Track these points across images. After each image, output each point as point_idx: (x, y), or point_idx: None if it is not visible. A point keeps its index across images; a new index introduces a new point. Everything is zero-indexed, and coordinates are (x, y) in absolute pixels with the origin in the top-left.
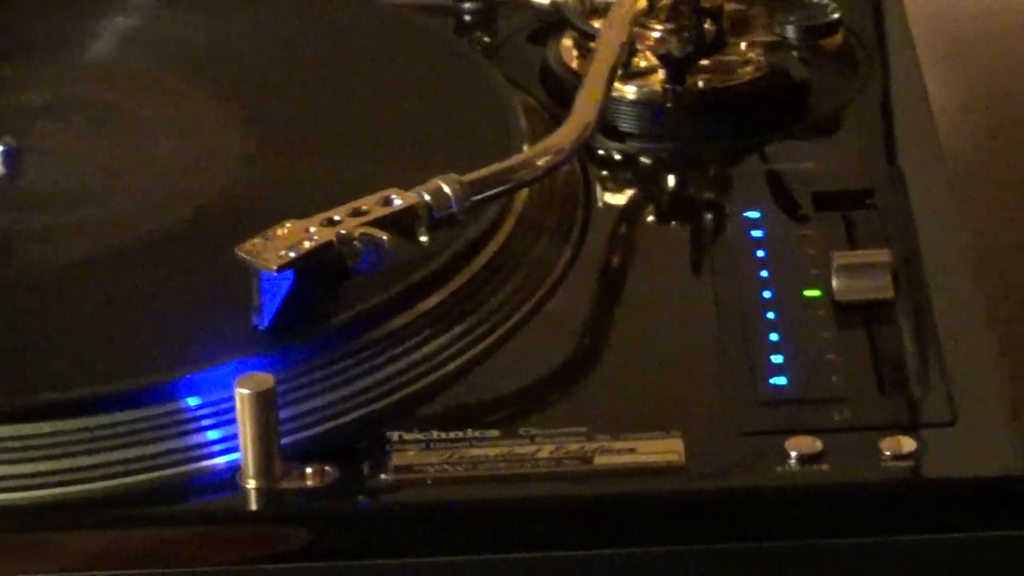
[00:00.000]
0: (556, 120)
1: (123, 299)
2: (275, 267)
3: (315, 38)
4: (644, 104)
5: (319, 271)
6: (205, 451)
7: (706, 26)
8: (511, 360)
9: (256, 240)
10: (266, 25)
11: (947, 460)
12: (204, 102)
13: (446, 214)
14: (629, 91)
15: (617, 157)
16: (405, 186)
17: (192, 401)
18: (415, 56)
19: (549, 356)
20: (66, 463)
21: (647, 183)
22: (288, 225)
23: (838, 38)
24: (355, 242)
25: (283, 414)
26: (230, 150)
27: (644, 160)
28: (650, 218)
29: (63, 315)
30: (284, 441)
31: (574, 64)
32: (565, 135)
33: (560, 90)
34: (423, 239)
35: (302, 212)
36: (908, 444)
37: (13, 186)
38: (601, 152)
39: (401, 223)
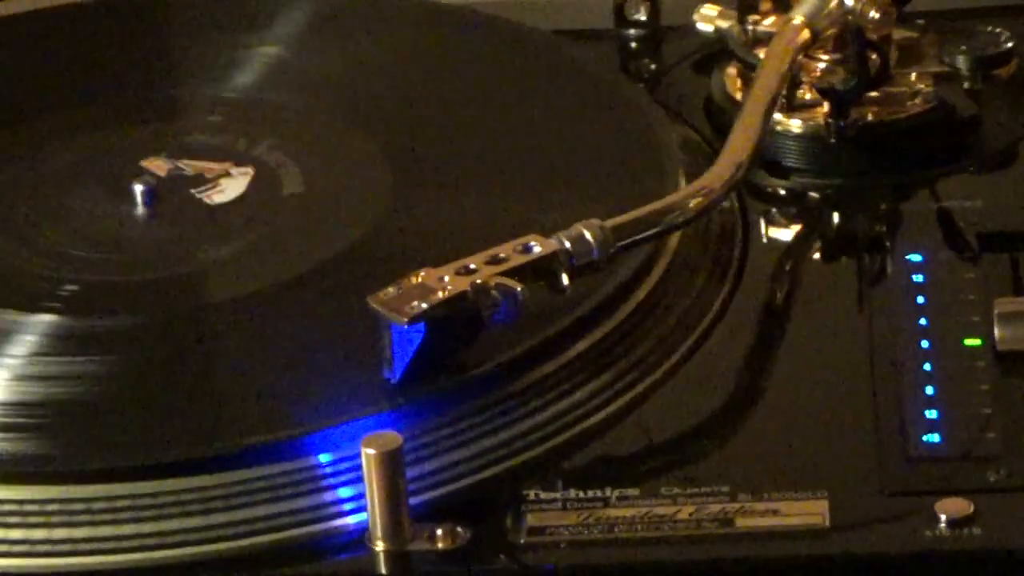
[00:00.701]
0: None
1: (256, 348)
2: (405, 320)
3: (463, 67)
4: (808, 139)
5: (452, 323)
6: (335, 510)
7: (871, 58)
8: (656, 413)
9: (389, 289)
10: (412, 54)
11: None
12: (347, 137)
13: (587, 261)
14: (794, 124)
15: (782, 192)
16: (553, 226)
17: (322, 458)
18: (566, 87)
19: (696, 408)
20: (193, 521)
21: (807, 221)
22: (422, 273)
23: (1011, 67)
24: (492, 291)
25: (416, 471)
26: (374, 188)
27: (805, 197)
28: (809, 259)
29: (193, 365)
30: (417, 500)
31: (738, 95)
32: (716, 176)
33: (724, 122)
34: (564, 287)
35: (447, 253)
36: None
37: (149, 226)
38: (766, 187)
39: (542, 271)
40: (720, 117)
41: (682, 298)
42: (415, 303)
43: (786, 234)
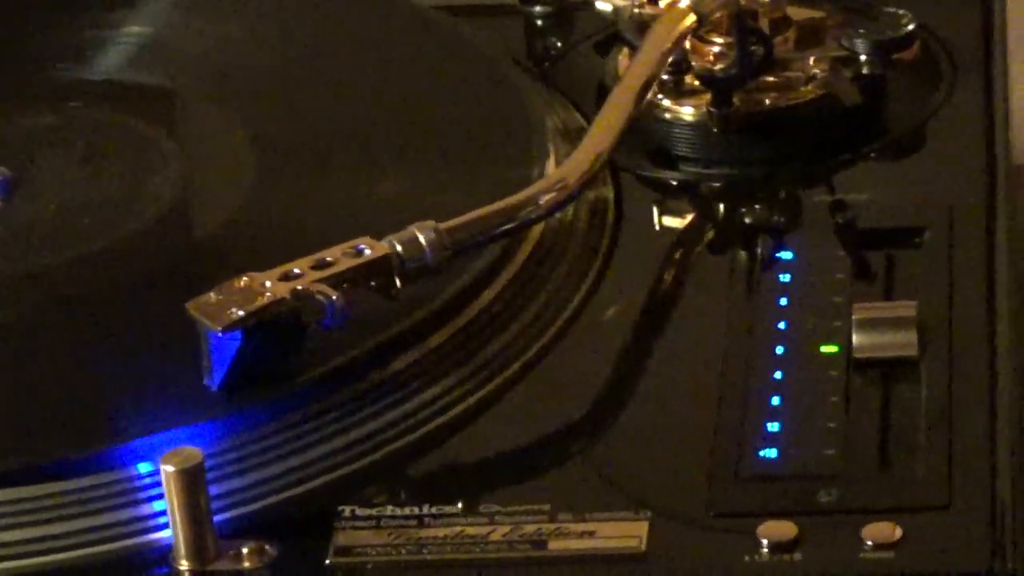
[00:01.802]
0: None
1: (83, 351)
2: (220, 328)
3: (339, 44)
4: (694, 127)
5: (272, 330)
6: (143, 525)
7: (755, 45)
8: (490, 424)
9: (211, 295)
10: (284, 31)
11: (934, 551)
12: (211, 119)
13: (420, 265)
14: (683, 111)
15: (670, 183)
16: (417, 213)
17: (134, 470)
18: (445, 65)
19: (532, 419)
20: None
21: (683, 215)
22: (245, 279)
23: (915, 51)
24: (316, 297)
25: (230, 484)
26: (236, 175)
27: (688, 188)
28: (679, 255)
29: (15, 370)
30: (229, 515)
31: None
32: (573, 168)
33: None
34: (395, 293)
35: (306, 245)
36: (893, 532)
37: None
38: (649, 176)
39: (373, 275)
40: None
41: (534, 299)
42: (232, 310)
43: (658, 228)
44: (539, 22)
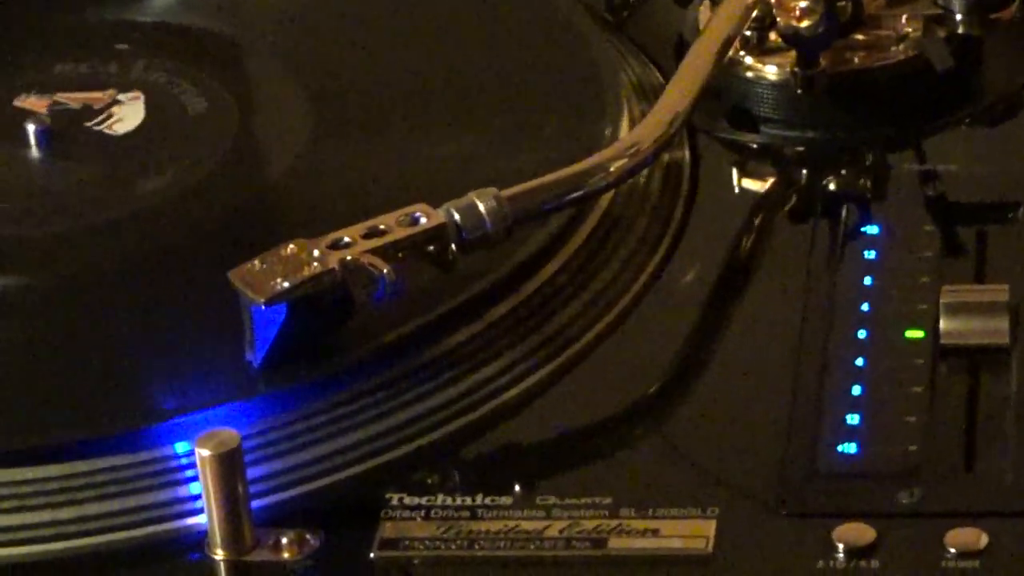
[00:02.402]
0: None
1: (100, 325)
2: (263, 300)
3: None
4: (778, 87)
5: (319, 303)
6: (177, 509)
7: (842, 3)
8: (544, 410)
9: (255, 262)
10: None
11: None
12: (267, 69)
13: (480, 235)
14: (766, 70)
15: (751, 145)
16: (479, 173)
17: (168, 450)
18: (508, 17)
19: (597, 403)
20: (17, 519)
21: (764, 180)
22: (292, 246)
23: (1013, 10)
24: (366, 269)
25: (270, 467)
26: (289, 132)
27: (770, 152)
28: (757, 225)
29: (33, 346)
30: (268, 500)
31: None
32: (647, 131)
33: None
34: (452, 265)
35: (362, 207)
36: (978, 539)
37: (61, 170)
38: (728, 138)
39: (429, 244)
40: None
41: (601, 271)
42: (277, 280)
43: (736, 193)
44: None
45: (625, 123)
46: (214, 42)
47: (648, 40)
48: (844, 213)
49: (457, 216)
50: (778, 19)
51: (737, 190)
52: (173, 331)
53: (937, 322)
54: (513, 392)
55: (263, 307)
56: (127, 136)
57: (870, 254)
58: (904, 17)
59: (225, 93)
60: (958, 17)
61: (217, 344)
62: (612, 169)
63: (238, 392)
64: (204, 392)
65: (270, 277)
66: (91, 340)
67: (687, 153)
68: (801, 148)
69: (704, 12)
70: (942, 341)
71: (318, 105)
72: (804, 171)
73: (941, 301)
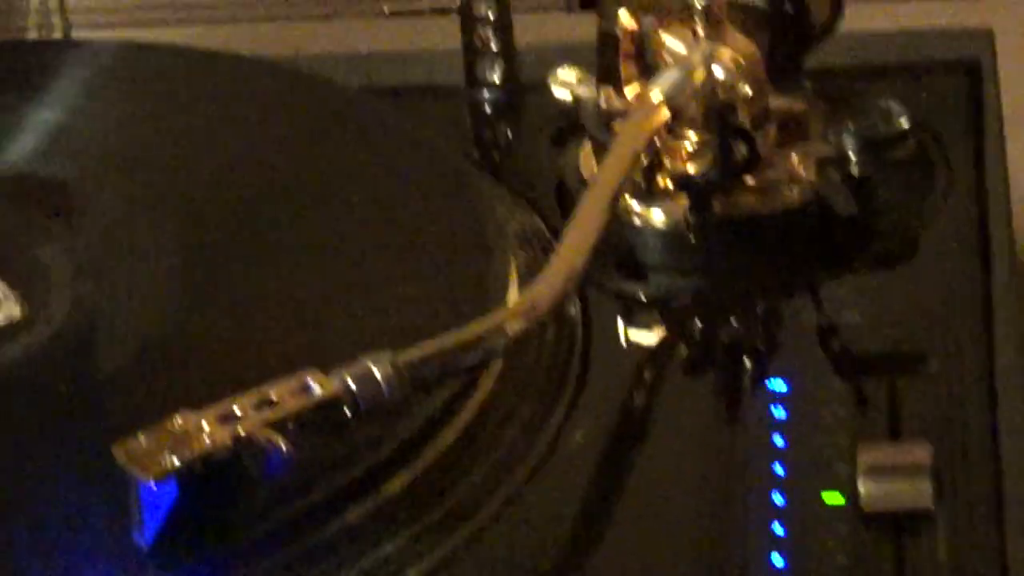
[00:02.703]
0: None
1: None
2: (153, 477)
3: (268, 134)
4: (667, 234)
5: (211, 480)
6: None
7: (739, 146)
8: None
9: (140, 437)
10: (216, 119)
11: None
12: (127, 218)
13: (378, 403)
14: (653, 216)
15: (638, 296)
16: (362, 326)
17: None
18: (392, 162)
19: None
20: None
21: (660, 333)
22: (178, 419)
23: (908, 149)
24: (260, 442)
25: None
26: (156, 285)
27: (662, 303)
28: (658, 382)
29: None
30: None
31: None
32: (543, 291)
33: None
34: (350, 435)
35: (240, 370)
36: None
37: None
38: (617, 289)
39: (325, 415)
40: (571, 202)
41: (501, 437)
42: (166, 457)
43: (634, 349)
44: (487, 108)
45: (514, 272)
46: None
47: (524, 183)
48: (747, 368)
49: (352, 384)
50: (666, 162)
51: (631, 345)
52: (49, 507)
53: (856, 486)
54: (416, 570)
55: (153, 486)
56: None
57: (779, 412)
58: (796, 160)
59: (82, 249)
60: (852, 158)
61: (96, 526)
62: (509, 331)
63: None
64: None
65: (158, 452)
66: None
67: (577, 306)
68: (694, 297)
69: (585, 155)
70: (863, 507)
71: (185, 254)
72: (698, 322)
73: (859, 461)
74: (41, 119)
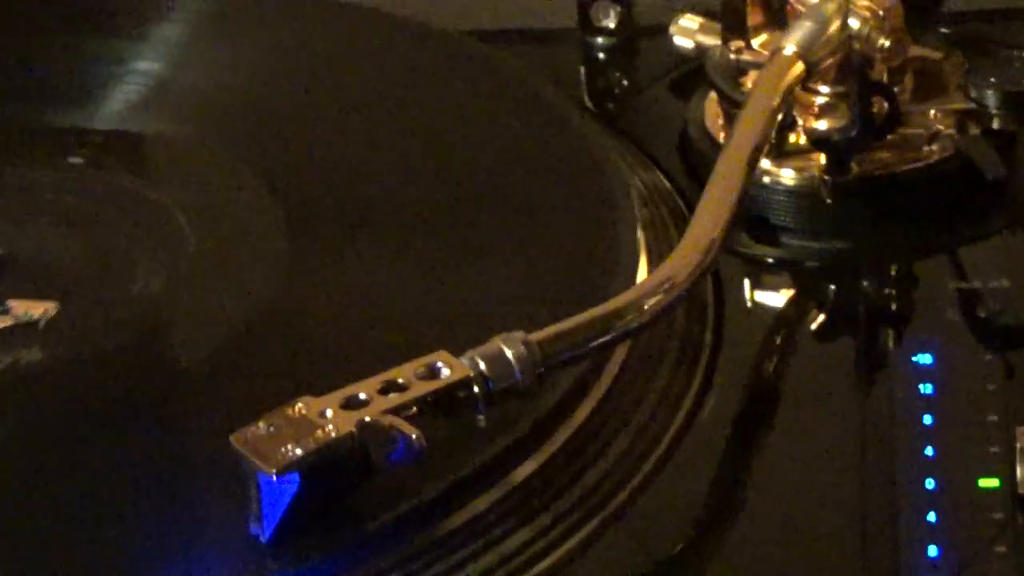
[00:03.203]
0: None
1: (89, 480)
2: (275, 471)
3: (372, 83)
4: (801, 194)
5: (334, 470)
6: None
7: (878, 103)
8: (601, 559)
9: (259, 424)
10: (318, 66)
11: None
12: (233, 179)
13: (509, 385)
14: (784, 176)
15: (768, 259)
16: (475, 311)
17: None
18: (501, 115)
19: (635, 569)
20: None
21: (796, 299)
22: (300, 405)
23: None
24: (385, 431)
25: None
26: (264, 252)
27: (796, 266)
28: (795, 352)
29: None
30: None
31: (718, 134)
32: (681, 261)
33: (700, 164)
34: (480, 420)
35: (353, 344)
36: None
37: None
38: (748, 252)
39: (452, 398)
40: (696, 157)
41: (634, 415)
42: (288, 447)
43: (769, 316)
44: (600, 55)
45: (640, 235)
46: (170, 149)
47: (644, 136)
48: (891, 340)
49: (483, 366)
50: (799, 119)
51: (764, 312)
52: (166, 499)
53: (1013, 468)
54: (550, 560)
55: (274, 477)
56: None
57: (926, 388)
58: (933, 113)
59: (187, 215)
60: (993, 112)
61: (215, 516)
62: (646, 307)
63: (245, 570)
64: (205, 570)
65: (279, 442)
66: (72, 507)
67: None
68: (828, 261)
69: (711, 106)
70: (1021, 490)
71: (293, 224)
72: (834, 288)
73: (1017, 444)
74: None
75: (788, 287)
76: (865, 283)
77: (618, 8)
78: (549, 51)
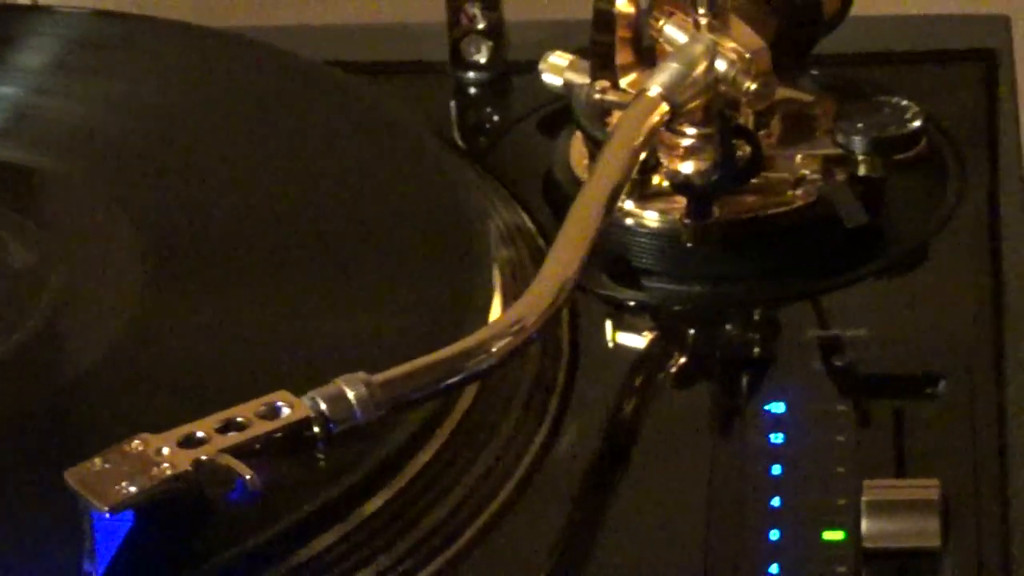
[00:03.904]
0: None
1: None
2: (107, 508)
3: (235, 114)
4: (663, 236)
5: (170, 508)
6: None
7: (741, 147)
8: None
9: (95, 461)
10: (173, 97)
11: None
12: (89, 209)
13: (350, 426)
14: (648, 217)
15: (628, 302)
16: (329, 336)
17: None
18: (364, 148)
19: None
20: None
21: (653, 344)
22: (137, 442)
23: (920, 149)
24: (222, 469)
25: None
26: (122, 284)
27: (656, 311)
28: (649, 398)
29: None
30: None
31: (584, 174)
32: (532, 304)
33: (566, 206)
34: (319, 460)
35: (205, 383)
36: None
37: None
38: (608, 295)
39: (292, 437)
40: (560, 197)
41: (481, 453)
42: (123, 484)
43: (625, 359)
44: (472, 90)
45: (496, 274)
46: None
47: (509, 173)
48: (744, 387)
49: (324, 406)
50: (664, 161)
51: (621, 355)
52: None
53: (858, 521)
54: None
55: (108, 515)
56: None
57: (777, 437)
58: (800, 157)
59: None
60: (860, 158)
61: (44, 553)
62: (495, 349)
63: None
64: None
65: (115, 479)
66: None
67: (564, 313)
68: (688, 305)
69: (577, 145)
70: (865, 544)
71: (152, 259)
72: (693, 332)
73: (863, 499)
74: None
75: (647, 330)
76: (724, 328)
77: (489, 43)
78: (421, 85)
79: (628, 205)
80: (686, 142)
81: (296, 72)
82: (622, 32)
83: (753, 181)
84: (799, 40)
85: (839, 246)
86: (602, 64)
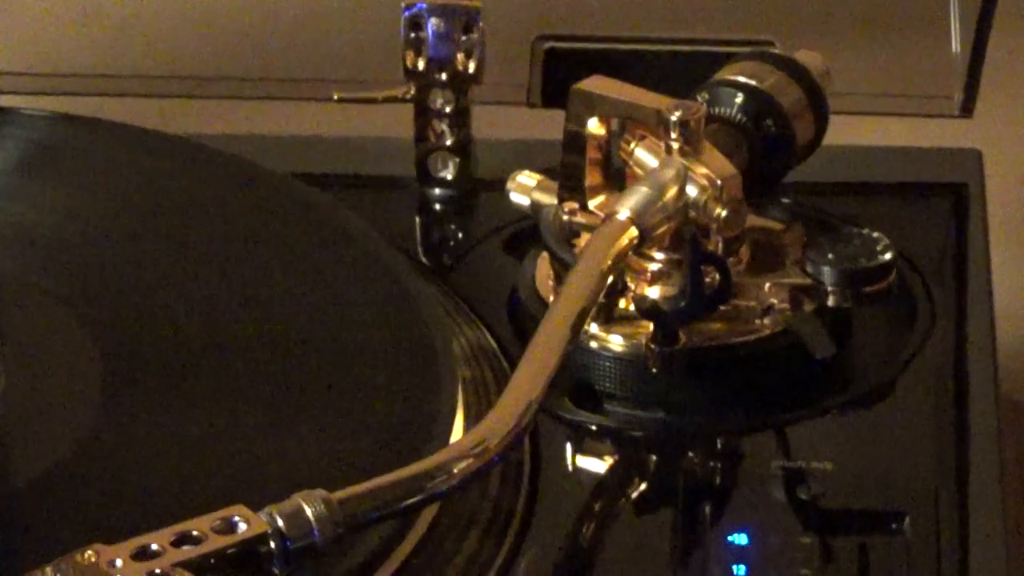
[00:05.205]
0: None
1: None
2: None
3: (195, 224)
4: (627, 361)
5: None
6: None
7: (710, 274)
8: None
9: (46, 571)
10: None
11: None
12: (43, 320)
13: (307, 544)
14: (613, 342)
15: (591, 426)
16: (286, 466)
17: None
18: (325, 264)
19: None
20: None
21: (616, 470)
22: (90, 553)
23: (889, 281)
24: None
25: None
26: (77, 396)
27: (618, 436)
28: (602, 526)
29: None
30: None
31: (550, 295)
32: (494, 426)
33: (530, 326)
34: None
35: (159, 485)
36: None
37: None
38: (570, 419)
39: (250, 556)
40: (524, 317)
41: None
42: None
43: (587, 484)
44: (438, 206)
45: (459, 397)
46: None
47: (473, 292)
48: (705, 517)
49: (281, 522)
50: (631, 285)
51: (582, 480)
52: None
53: None
54: None
55: None
56: None
57: (739, 569)
58: (767, 286)
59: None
60: (828, 289)
61: None
62: (456, 470)
63: None
64: None
65: None
66: None
67: (526, 437)
68: (652, 432)
69: (543, 267)
70: None
71: (108, 369)
72: (656, 459)
73: None
74: None
75: (609, 455)
76: (688, 456)
77: (457, 159)
78: (387, 199)
79: (593, 328)
80: (654, 267)
81: (258, 183)
82: (592, 153)
83: (721, 308)
84: (771, 168)
85: (806, 377)
86: (571, 185)
